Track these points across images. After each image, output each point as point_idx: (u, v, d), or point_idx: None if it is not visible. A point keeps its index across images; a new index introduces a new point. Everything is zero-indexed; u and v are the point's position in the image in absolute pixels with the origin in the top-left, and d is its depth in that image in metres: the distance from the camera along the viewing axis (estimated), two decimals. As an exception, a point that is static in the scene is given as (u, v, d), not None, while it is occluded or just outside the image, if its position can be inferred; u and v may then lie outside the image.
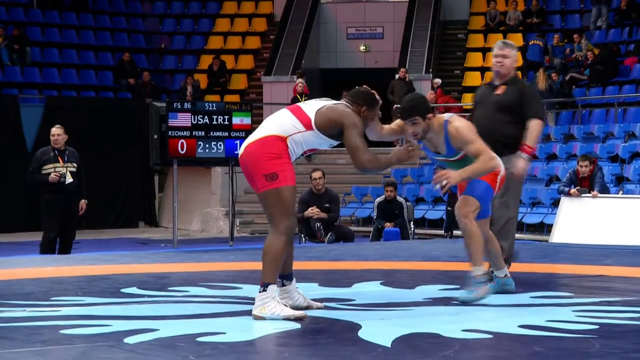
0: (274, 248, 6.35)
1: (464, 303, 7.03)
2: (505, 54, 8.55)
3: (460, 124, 7.07)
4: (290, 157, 6.45)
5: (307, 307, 6.72)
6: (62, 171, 12.66)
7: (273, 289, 6.30)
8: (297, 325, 6.18)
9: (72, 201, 12.73)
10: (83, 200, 12.84)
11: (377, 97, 6.80)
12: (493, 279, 7.58)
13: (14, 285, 8.46)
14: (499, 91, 8.51)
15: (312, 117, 6.44)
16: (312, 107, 6.52)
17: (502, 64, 8.52)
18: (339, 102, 6.65)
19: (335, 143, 6.59)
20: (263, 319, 6.22)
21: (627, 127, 19.81)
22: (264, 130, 6.48)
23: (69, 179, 12.67)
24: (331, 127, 6.45)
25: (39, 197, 12.98)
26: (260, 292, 6.30)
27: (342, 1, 28.54)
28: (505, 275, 7.60)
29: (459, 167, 7.13)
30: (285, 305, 6.37)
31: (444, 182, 6.87)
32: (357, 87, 6.91)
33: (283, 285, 6.68)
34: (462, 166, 7.11)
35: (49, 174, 12.61)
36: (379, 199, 16.10)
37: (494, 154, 7.07)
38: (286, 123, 6.45)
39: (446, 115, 7.15)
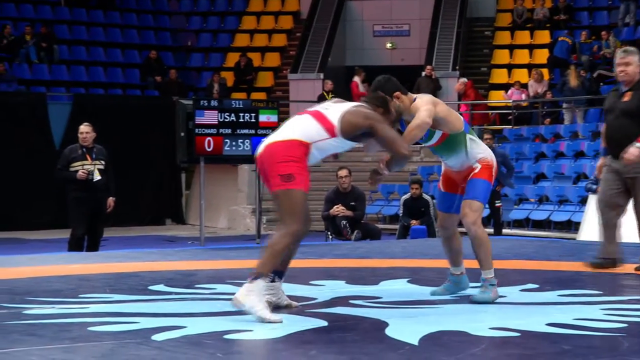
0: (277, 244, 6.37)
1: (479, 303, 7.00)
2: (627, 61, 8.69)
3: (421, 98, 6.98)
4: (308, 162, 6.46)
5: (287, 306, 6.73)
6: (90, 169, 12.70)
7: (260, 284, 6.22)
8: (324, 323, 6.18)
9: (100, 199, 12.77)
10: (111, 197, 12.88)
11: (382, 86, 6.86)
12: (447, 277, 7.52)
13: (42, 282, 8.50)
14: (626, 98, 8.68)
15: (336, 123, 6.42)
16: (334, 112, 6.48)
17: (625, 72, 8.69)
18: (357, 104, 6.63)
19: (355, 145, 6.62)
20: (241, 307, 6.16)
21: (656, 124, 19.68)
22: (287, 133, 6.46)
23: (97, 177, 12.71)
24: (355, 131, 6.46)
25: (67, 195, 13.03)
26: (250, 280, 6.23)
27: (369, -2, 28.53)
28: (461, 273, 7.50)
29: (444, 151, 7.11)
30: (268, 303, 6.28)
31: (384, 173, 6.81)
32: (379, 78, 6.94)
33: (273, 281, 6.67)
34: (446, 150, 7.08)
35: (77, 171, 12.66)
36: (405, 197, 16.07)
37: (427, 117, 6.81)
38: (311, 129, 6.43)
39: (414, 96, 7.07)
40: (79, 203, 12.71)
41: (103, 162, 12.84)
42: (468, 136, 7.11)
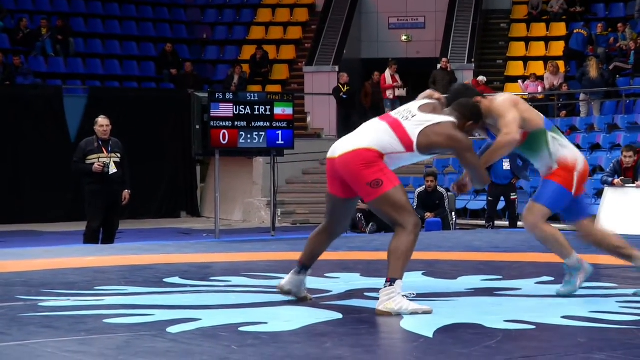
0: (402, 245, 6.28)
1: (566, 296, 6.85)
2: None
3: (500, 99, 6.83)
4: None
5: (304, 298, 6.73)
6: (106, 161, 12.72)
7: (399, 284, 6.22)
8: (339, 315, 6.19)
9: (115, 191, 12.79)
10: (126, 190, 12.90)
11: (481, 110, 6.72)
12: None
13: (58, 274, 8.53)
14: None
15: (415, 139, 6.30)
16: (414, 125, 6.32)
17: None
18: (445, 119, 6.40)
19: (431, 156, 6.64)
20: (389, 314, 6.12)
21: (672, 117, 19.63)
22: (360, 140, 6.34)
23: (113, 170, 12.73)
24: (434, 149, 6.43)
25: (82, 187, 13.06)
26: (385, 287, 6.22)
27: (384, -9, 28.47)
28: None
29: (526, 152, 6.95)
30: (409, 300, 6.26)
31: (467, 189, 6.87)
32: (458, 88, 6.88)
33: (299, 273, 6.68)
34: (528, 149, 6.90)
35: (93, 164, 12.68)
36: (419, 189, 16.06)
37: (514, 130, 6.64)
38: (385, 140, 6.31)
39: (495, 96, 6.92)
40: (95, 196, 12.73)
41: (119, 155, 12.86)
42: (550, 134, 6.84)
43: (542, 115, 6.98)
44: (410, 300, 6.29)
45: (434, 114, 6.43)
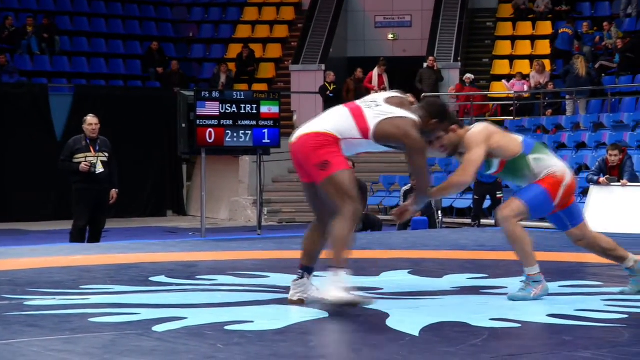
0: (340, 232, 6.19)
1: (515, 300, 6.76)
2: None
3: (473, 130, 6.71)
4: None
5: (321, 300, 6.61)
6: (93, 161, 12.70)
7: (341, 274, 6.14)
8: (324, 314, 6.18)
9: (102, 190, 12.77)
10: (114, 189, 12.89)
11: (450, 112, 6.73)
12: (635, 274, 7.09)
13: (44, 273, 8.51)
14: None
15: (372, 127, 6.29)
16: (375, 114, 6.32)
17: None
18: (408, 115, 6.34)
19: (388, 149, 6.52)
20: (328, 301, 6.09)
21: (657, 115, 19.68)
22: (319, 125, 6.35)
23: (100, 169, 12.71)
24: (390, 141, 6.37)
25: (69, 186, 13.04)
26: (330, 275, 6.17)
27: (370, -11, 28.49)
28: (636, 262, 7.10)
29: (508, 178, 6.96)
30: (351, 291, 6.18)
31: (405, 216, 6.82)
32: (440, 105, 6.82)
33: (302, 277, 6.58)
34: (510, 176, 6.90)
35: (80, 163, 12.66)
36: (405, 188, 16.08)
37: (468, 170, 6.61)
38: (344, 125, 6.30)
39: (471, 127, 6.81)
40: (82, 195, 12.72)
41: (106, 154, 12.84)
42: (530, 157, 6.76)
43: (520, 139, 6.86)
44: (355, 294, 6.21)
45: (398, 108, 6.40)
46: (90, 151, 12.75)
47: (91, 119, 12.85)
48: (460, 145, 6.74)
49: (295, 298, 6.58)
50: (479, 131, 6.72)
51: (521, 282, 6.86)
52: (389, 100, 6.46)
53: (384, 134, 6.30)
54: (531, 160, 6.78)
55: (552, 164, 6.83)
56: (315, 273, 6.67)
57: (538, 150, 6.84)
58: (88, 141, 12.79)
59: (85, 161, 12.65)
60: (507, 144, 6.77)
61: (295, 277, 6.63)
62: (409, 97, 6.66)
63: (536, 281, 6.82)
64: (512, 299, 6.79)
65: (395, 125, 6.30)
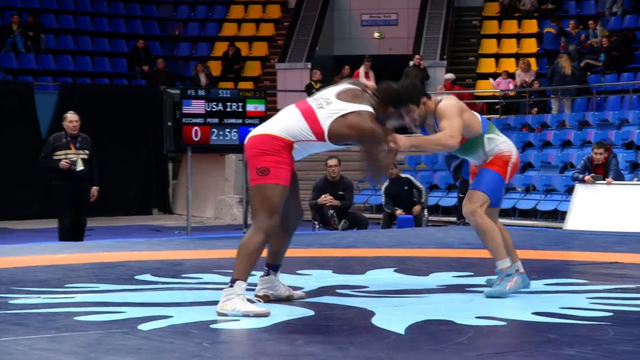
0: (249, 245, 6.14)
1: (492, 297, 6.80)
2: None
3: (445, 102, 6.78)
4: (293, 158, 6.24)
5: (289, 297, 6.63)
6: (73, 158, 12.67)
7: (241, 285, 6.07)
8: (310, 312, 6.19)
9: (82, 188, 12.73)
10: (94, 187, 12.85)
11: (410, 93, 6.57)
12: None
13: (29, 272, 8.49)
14: None
15: (326, 129, 6.16)
16: (328, 115, 6.18)
17: None
18: (362, 108, 6.22)
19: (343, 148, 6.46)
20: (225, 315, 6.00)
21: (642, 114, 19.74)
22: (271, 126, 6.25)
23: (80, 167, 12.67)
24: (345, 140, 6.27)
25: (50, 183, 13.02)
26: (227, 287, 6.10)
27: (356, -12, 28.50)
28: (517, 271, 7.08)
29: (462, 153, 7.04)
30: (250, 301, 6.12)
31: (392, 145, 6.46)
32: (406, 84, 6.69)
33: (268, 274, 6.59)
34: (464, 152, 6.99)
35: (60, 160, 12.62)
36: (385, 184, 16.05)
37: (455, 133, 6.65)
38: (296, 128, 6.18)
39: (442, 96, 6.92)
40: (62, 192, 12.71)
41: (87, 152, 12.80)
42: (485, 136, 6.93)
43: (480, 118, 6.99)
44: (252, 302, 6.13)
45: (352, 102, 6.26)
46: (71, 148, 12.72)
47: (71, 116, 12.82)
48: (429, 116, 6.82)
49: (260, 293, 6.58)
50: (453, 104, 6.80)
51: (486, 282, 6.92)
52: (341, 95, 6.30)
53: (338, 134, 6.18)
54: (485, 140, 6.96)
55: (500, 142, 7.01)
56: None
57: (491, 130, 7.02)
58: (69, 138, 12.75)
59: (66, 158, 12.62)
60: (472, 123, 6.91)
61: (261, 273, 6.63)
62: (366, 83, 6.54)
63: (508, 275, 6.87)
64: (489, 295, 6.83)
65: (348, 124, 6.17)
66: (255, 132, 6.31)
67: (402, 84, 6.78)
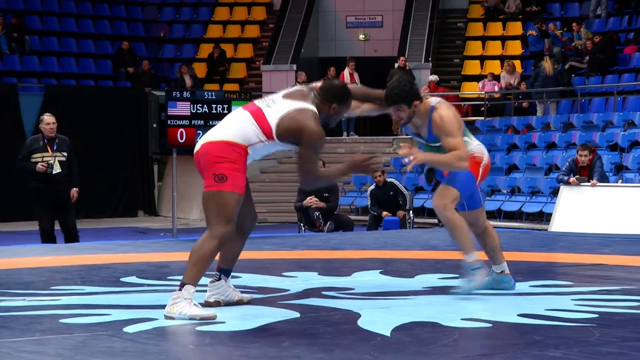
0: (202, 250, 6.12)
1: (465, 294, 6.89)
2: None
3: (445, 113, 6.87)
4: (247, 162, 6.22)
5: (239, 302, 6.59)
6: (50, 161, 12.61)
7: (189, 289, 6.04)
8: (296, 314, 6.19)
9: (59, 190, 12.64)
10: (74, 189, 12.75)
11: (348, 89, 6.48)
12: (490, 273, 7.28)
13: (14, 274, 8.47)
14: None
15: (274, 127, 6.14)
16: (274, 113, 6.18)
17: None
18: (307, 106, 6.21)
19: (293, 148, 6.29)
20: (172, 318, 5.97)
21: (627, 116, 19.79)
22: (225, 132, 6.20)
23: (57, 169, 12.61)
24: (291, 137, 6.19)
25: (27, 185, 12.97)
26: (176, 291, 6.08)
27: (342, -11, 28.51)
28: (502, 272, 7.28)
29: (436, 152, 7.07)
30: (196, 305, 6.06)
31: (411, 158, 6.62)
32: (330, 79, 6.67)
33: (219, 279, 6.54)
34: (438, 152, 7.04)
35: (37, 163, 12.56)
36: (371, 188, 16.11)
37: (466, 155, 6.82)
38: (249, 131, 6.15)
39: (433, 101, 6.96)
40: (39, 195, 12.66)
41: (65, 154, 12.72)
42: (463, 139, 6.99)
43: (462, 122, 7.06)
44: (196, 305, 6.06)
45: (298, 101, 6.26)
46: (48, 151, 12.66)
47: (48, 118, 12.74)
48: (416, 117, 6.91)
49: (212, 300, 6.52)
50: (452, 118, 6.89)
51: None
52: (288, 96, 6.31)
53: (284, 130, 6.15)
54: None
55: (474, 146, 7.09)
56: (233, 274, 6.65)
57: (466, 134, 7.09)
58: (45, 140, 12.69)
59: (42, 161, 12.57)
60: (460, 126, 6.98)
61: (211, 279, 6.58)
62: (313, 85, 6.49)
63: (475, 268, 6.94)
64: (457, 293, 6.90)
65: (292, 119, 6.16)
66: (208, 138, 6.23)
67: (401, 82, 6.88)
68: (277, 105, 6.24)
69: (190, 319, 5.94)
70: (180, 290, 6.05)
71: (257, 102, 6.36)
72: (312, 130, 6.14)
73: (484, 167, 7.11)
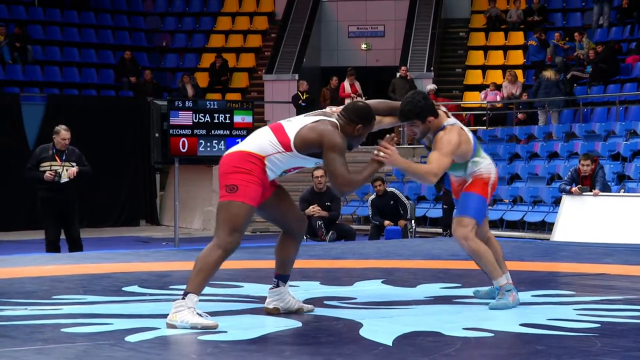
0: (206, 259, 6.14)
1: (498, 309, 6.84)
2: None
3: (448, 136, 6.80)
4: (267, 176, 6.23)
5: (299, 310, 6.61)
6: (58, 170, 12.62)
7: (192, 298, 6.05)
8: (298, 324, 6.19)
9: (67, 200, 12.67)
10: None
11: (372, 111, 6.49)
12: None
13: (16, 283, 8.47)
14: None
15: (292, 138, 6.20)
16: (294, 126, 6.26)
17: None
18: (326, 118, 6.31)
19: (321, 162, 6.30)
20: (174, 327, 5.98)
21: (629, 126, 19.79)
22: (243, 144, 6.31)
23: (65, 178, 12.62)
24: (310, 148, 6.22)
25: (36, 195, 12.99)
26: (179, 299, 6.08)
27: (344, -1, 28.56)
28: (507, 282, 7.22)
29: (452, 169, 7.07)
30: (199, 314, 6.04)
31: (381, 154, 6.41)
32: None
33: (277, 286, 6.58)
34: (455, 169, 7.06)
35: (45, 171, 12.58)
36: (372, 197, 16.13)
37: (439, 173, 6.71)
38: (265, 142, 6.21)
39: (449, 121, 6.92)
40: (47, 204, 12.68)
41: (73, 164, 12.73)
42: (471, 160, 6.99)
43: (473, 144, 7.00)
44: (201, 315, 6.05)
45: (319, 116, 6.34)
46: (56, 160, 12.67)
47: (65, 133, 12.66)
48: (430, 132, 6.90)
49: (270, 306, 6.58)
50: (452, 141, 6.81)
51: (474, 293, 7.00)
52: (310, 114, 6.43)
53: (303, 141, 6.19)
54: (470, 164, 7.02)
55: (482, 166, 7.06)
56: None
57: (477, 154, 7.06)
58: (55, 150, 12.70)
59: (50, 169, 12.58)
60: (465, 153, 6.95)
61: (271, 285, 6.62)
62: (335, 109, 6.51)
63: (508, 290, 6.94)
64: (493, 308, 6.87)
65: (311, 129, 6.22)
66: (229, 150, 6.36)
67: (415, 97, 6.81)
68: (297, 120, 6.34)
69: (192, 327, 5.94)
70: (183, 298, 6.06)
71: (280, 120, 6.45)
72: (332, 134, 6.19)
73: (492, 185, 7.10)
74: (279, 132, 6.25)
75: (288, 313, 6.54)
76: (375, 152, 6.43)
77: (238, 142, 13.45)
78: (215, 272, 6.20)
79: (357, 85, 24.24)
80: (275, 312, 6.52)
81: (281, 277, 6.61)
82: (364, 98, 23.75)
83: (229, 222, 6.15)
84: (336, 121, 6.31)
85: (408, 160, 6.97)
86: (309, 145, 6.21)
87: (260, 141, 6.25)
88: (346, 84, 24.19)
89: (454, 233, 7.04)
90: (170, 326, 6.01)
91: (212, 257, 6.15)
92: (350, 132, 6.32)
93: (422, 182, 6.93)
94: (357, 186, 6.36)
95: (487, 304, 7.00)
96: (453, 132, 6.86)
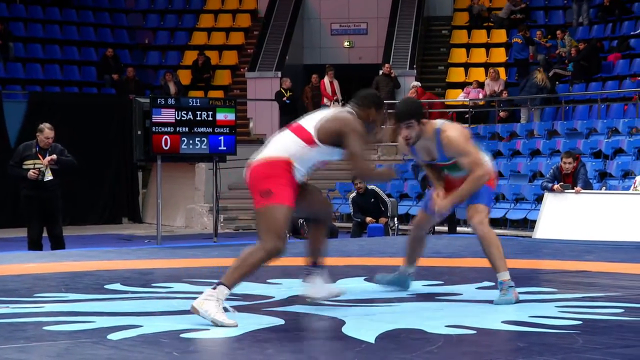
0: (249, 258, 6.21)
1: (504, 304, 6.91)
2: None
3: (453, 134, 7.03)
4: (295, 177, 6.35)
5: (336, 295, 6.87)
6: (42, 168, 12.56)
7: (223, 291, 6.10)
8: (281, 321, 6.19)
9: (50, 198, 12.61)
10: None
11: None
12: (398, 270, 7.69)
13: (-3, 281, 8.44)
14: None
15: (313, 132, 6.36)
16: (311, 121, 6.44)
17: None
18: (341, 109, 6.61)
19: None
20: (197, 312, 6.04)
21: (610, 123, 19.85)
22: (268, 151, 6.41)
23: (48, 177, 12.56)
24: (334, 138, 6.38)
25: (18, 192, 12.93)
26: (211, 288, 6.13)
27: (326, -3, 28.55)
28: (410, 275, 7.68)
29: (454, 171, 7.13)
30: (225, 308, 6.10)
31: (441, 210, 7.01)
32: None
33: (311, 274, 6.81)
34: (451, 169, 7.12)
35: (29, 169, 12.52)
36: (352, 195, 16.17)
37: (484, 165, 7.03)
38: (289, 143, 6.36)
39: (438, 123, 7.11)
40: (30, 202, 12.62)
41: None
42: None
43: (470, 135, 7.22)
44: (227, 312, 6.10)
45: (334, 109, 6.64)
46: (39, 158, 12.61)
47: (49, 132, 12.58)
48: (423, 138, 7.06)
49: (310, 295, 6.82)
50: (462, 137, 7.06)
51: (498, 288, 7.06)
52: (323, 110, 6.65)
53: (325, 131, 6.38)
54: None
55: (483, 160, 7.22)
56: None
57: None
58: (38, 148, 12.65)
59: (34, 168, 12.52)
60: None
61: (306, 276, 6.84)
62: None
63: (511, 286, 7.02)
64: (498, 303, 6.93)
65: (332, 119, 6.44)
66: (256, 159, 6.43)
67: (410, 99, 7.19)
68: (313, 116, 6.53)
69: (212, 321, 5.98)
70: (214, 288, 6.09)
71: (297, 120, 6.61)
72: (352, 120, 6.44)
73: (494, 176, 7.35)
74: (299, 131, 6.41)
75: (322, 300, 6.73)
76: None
77: (220, 140, 13.50)
78: (252, 273, 6.27)
79: (336, 83, 24.24)
80: (311, 302, 6.74)
81: (315, 265, 6.82)
82: (340, 99, 23.77)
83: (272, 227, 6.23)
84: (352, 110, 6.54)
85: (452, 194, 7.11)
86: (331, 134, 6.38)
87: (282, 144, 6.40)
88: (326, 81, 24.19)
89: (470, 218, 7.18)
90: (195, 311, 6.03)
91: (254, 257, 6.22)
92: (365, 117, 6.56)
93: (478, 188, 7.08)
94: (366, 173, 6.95)
95: (468, 301, 7.03)
96: (451, 127, 7.10)
